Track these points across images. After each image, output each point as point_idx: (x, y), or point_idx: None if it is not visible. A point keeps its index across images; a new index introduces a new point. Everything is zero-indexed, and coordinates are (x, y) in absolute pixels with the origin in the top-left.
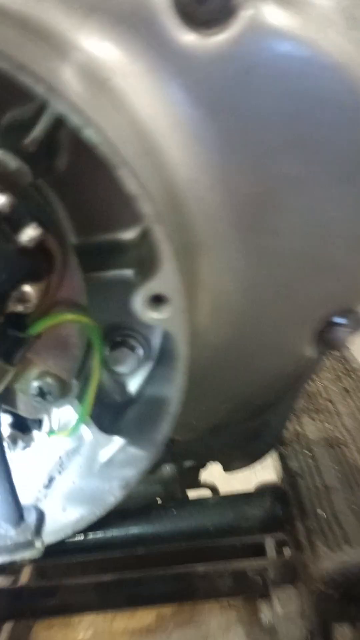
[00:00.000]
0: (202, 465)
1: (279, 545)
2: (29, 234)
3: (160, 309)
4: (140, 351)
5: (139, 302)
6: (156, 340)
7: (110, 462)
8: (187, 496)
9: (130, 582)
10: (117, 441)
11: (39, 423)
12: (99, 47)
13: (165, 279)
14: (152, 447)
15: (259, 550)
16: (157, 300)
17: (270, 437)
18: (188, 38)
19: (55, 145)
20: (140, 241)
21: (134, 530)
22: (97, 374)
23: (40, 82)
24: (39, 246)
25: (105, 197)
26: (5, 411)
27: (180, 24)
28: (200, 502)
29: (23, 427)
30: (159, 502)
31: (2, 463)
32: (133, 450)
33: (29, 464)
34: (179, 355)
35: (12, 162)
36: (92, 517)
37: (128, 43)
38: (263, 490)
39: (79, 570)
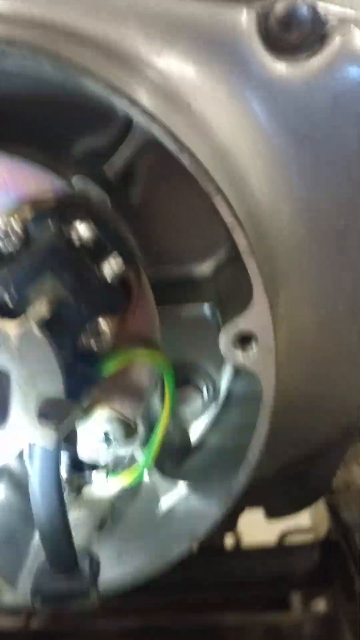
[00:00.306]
0: (243, 509)
1: (307, 599)
2: (112, 266)
3: (247, 349)
4: (206, 392)
5: (224, 341)
6: (224, 381)
7: (172, 511)
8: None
9: (156, 630)
10: (180, 489)
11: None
12: (180, 72)
13: (254, 317)
14: (224, 499)
15: (285, 603)
16: (244, 339)
17: (320, 484)
18: (275, 65)
19: (132, 174)
20: (214, 275)
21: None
22: (166, 417)
23: (135, 105)
24: (119, 279)
25: (177, 230)
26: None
27: (267, 50)
28: (243, 552)
29: (79, 467)
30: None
31: (60, 506)
32: (199, 500)
33: (81, 503)
34: (264, 400)
35: (92, 190)
36: (154, 570)
37: (211, 69)
38: (311, 542)
39: (99, 614)
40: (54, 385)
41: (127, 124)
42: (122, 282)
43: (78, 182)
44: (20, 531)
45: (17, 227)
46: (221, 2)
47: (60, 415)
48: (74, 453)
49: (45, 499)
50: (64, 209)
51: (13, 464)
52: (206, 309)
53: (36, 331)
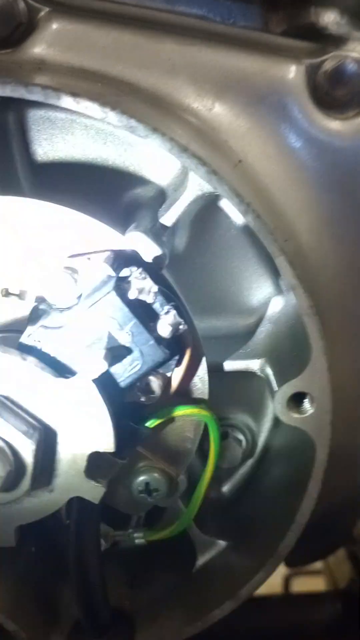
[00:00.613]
0: None
1: None
2: (170, 322)
3: (302, 410)
4: (245, 445)
5: (279, 401)
6: (262, 435)
7: (209, 568)
8: None
9: None
10: (218, 544)
11: (128, 519)
12: (231, 127)
13: (312, 377)
14: (271, 561)
15: None
16: (300, 399)
17: (341, 533)
18: (324, 121)
19: (179, 226)
20: (258, 330)
21: None
22: (210, 472)
23: (204, 166)
24: (174, 335)
25: (220, 283)
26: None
27: (316, 106)
28: (261, 600)
29: (115, 523)
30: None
31: (97, 562)
32: (240, 559)
33: (111, 558)
34: (318, 460)
35: (149, 244)
36: (194, 630)
37: (261, 125)
38: (332, 593)
39: None
40: (103, 440)
41: (178, 179)
42: (176, 338)
43: (134, 237)
44: (49, 589)
45: (70, 280)
46: (271, 58)
47: (106, 469)
48: (112, 506)
49: (83, 554)
50: (121, 263)
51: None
52: (255, 365)
53: (90, 386)
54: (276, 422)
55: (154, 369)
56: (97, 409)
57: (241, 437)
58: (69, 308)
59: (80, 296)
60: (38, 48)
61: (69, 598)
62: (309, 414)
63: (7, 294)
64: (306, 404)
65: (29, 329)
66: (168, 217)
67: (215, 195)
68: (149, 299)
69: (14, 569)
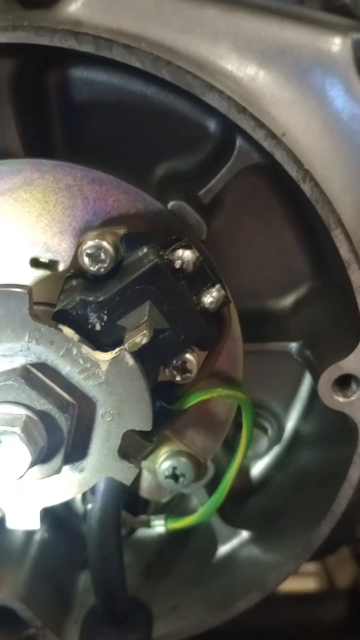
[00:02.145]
0: None
1: None
2: (214, 295)
3: (347, 393)
4: (271, 432)
5: (323, 384)
6: (291, 421)
7: (232, 559)
8: None
9: None
10: (242, 535)
11: (146, 506)
12: (275, 98)
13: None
14: (302, 551)
15: None
16: (344, 382)
17: (343, 531)
18: None
19: (219, 203)
20: (294, 311)
21: None
22: (240, 458)
23: (262, 128)
24: (216, 311)
25: (256, 263)
26: None
27: None
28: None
29: (134, 509)
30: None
31: (117, 546)
32: (266, 549)
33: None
34: None
35: (191, 217)
36: (215, 622)
37: (306, 97)
38: (337, 592)
39: None
40: (139, 417)
41: (220, 149)
42: (216, 315)
43: (176, 208)
44: (62, 576)
45: (109, 248)
46: (316, 30)
47: (135, 452)
48: (134, 491)
49: (104, 538)
50: (164, 234)
51: (56, 505)
52: (293, 347)
53: (129, 359)
54: (307, 408)
55: (193, 344)
56: (136, 384)
57: (267, 424)
58: (107, 278)
59: (119, 266)
60: (73, 7)
61: (83, 586)
62: (355, 397)
63: (36, 264)
64: (353, 386)
65: (63, 300)
66: (208, 191)
67: (261, 167)
68: (192, 270)
69: (28, 555)
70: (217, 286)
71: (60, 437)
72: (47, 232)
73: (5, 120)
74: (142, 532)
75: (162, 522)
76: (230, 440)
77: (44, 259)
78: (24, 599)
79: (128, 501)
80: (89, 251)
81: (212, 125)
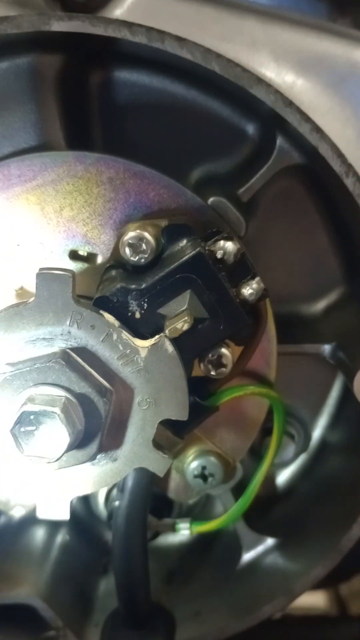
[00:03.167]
0: None
1: None
2: (254, 287)
3: None
4: (298, 440)
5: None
6: (318, 429)
7: (257, 565)
8: None
9: None
10: (267, 540)
11: (170, 510)
12: (311, 105)
13: None
14: (330, 555)
15: None
16: None
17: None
18: None
19: (254, 205)
20: (325, 315)
21: None
22: (271, 459)
23: (307, 122)
24: (254, 305)
25: (288, 268)
26: None
27: None
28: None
29: (158, 510)
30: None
31: (143, 546)
32: (292, 555)
33: None
34: None
35: (231, 211)
36: (241, 626)
37: (340, 105)
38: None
39: None
40: (176, 406)
41: (258, 152)
42: (253, 309)
43: (216, 204)
44: (83, 580)
45: (150, 239)
46: (351, 42)
47: (168, 446)
48: (158, 494)
49: (130, 537)
50: (204, 230)
51: (77, 507)
52: (326, 349)
53: (169, 346)
54: (335, 416)
55: (231, 337)
56: (175, 372)
57: (294, 432)
58: (146, 270)
59: (159, 258)
60: (117, 12)
61: (104, 591)
62: None
63: (75, 256)
64: None
65: (103, 289)
66: (248, 189)
67: (299, 168)
68: (233, 261)
69: (50, 556)
70: (257, 278)
71: (98, 422)
72: (87, 224)
73: (50, 114)
74: (163, 539)
75: (187, 525)
76: (256, 447)
77: (82, 251)
78: (45, 599)
79: (154, 504)
80: (130, 241)
81: (250, 128)
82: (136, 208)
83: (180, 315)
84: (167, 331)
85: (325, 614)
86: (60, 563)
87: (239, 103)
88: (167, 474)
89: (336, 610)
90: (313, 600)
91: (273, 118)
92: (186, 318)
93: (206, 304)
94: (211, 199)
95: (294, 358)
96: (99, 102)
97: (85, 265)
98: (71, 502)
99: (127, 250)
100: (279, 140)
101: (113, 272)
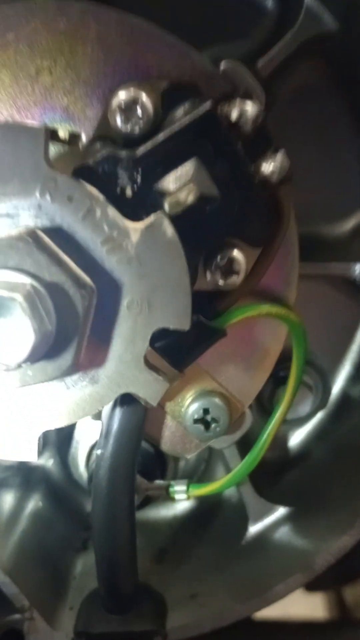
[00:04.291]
0: None
1: None
2: (278, 161)
3: None
4: (316, 392)
5: None
6: (338, 382)
7: (265, 538)
8: None
9: None
10: (277, 511)
11: (162, 471)
12: None
13: None
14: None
15: None
16: None
17: None
18: None
19: (274, 94)
20: (353, 236)
21: None
22: (289, 401)
23: None
24: (272, 192)
25: (308, 180)
26: None
27: None
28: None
29: (146, 472)
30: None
31: (129, 510)
32: (307, 526)
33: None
34: None
35: (247, 79)
36: (248, 610)
37: None
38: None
39: None
40: (175, 311)
41: (278, 28)
42: (274, 198)
43: (229, 69)
44: (57, 555)
45: (147, 102)
46: None
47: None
48: (151, 442)
49: (115, 495)
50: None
51: (54, 471)
52: (357, 270)
53: (168, 228)
54: (359, 367)
55: (244, 235)
56: (175, 264)
57: (311, 381)
58: (143, 141)
59: (158, 129)
60: None
61: (82, 569)
62: None
63: (54, 137)
64: None
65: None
66: (269, 61)
67: (328, 48)
68: (251, 129)
69: (17, 524)
70: (282, 151)
71: (73, 324)
72: (69, 94)
73: None
74: (154, 511)
75: (183, 487)
76: (265, 402)
77: (63, 130)
78: (9, 572)
79: (142, 463)
80: (122, 104)
81: (270, 2)
82: (130, 73)
83: (184, 187)
84: (166, 205)
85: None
86: (29, 533)
87: None
88: (161, 421)
89: (339, 618)
90: (313, 607)
91: None
92: (192, 187)
93: (217, 178)
94: (223, 62)
95: (314, 286)
96: None
97: (66, 148)
98: (40, 441)
99: (118, 117)
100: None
101: (98, 145)
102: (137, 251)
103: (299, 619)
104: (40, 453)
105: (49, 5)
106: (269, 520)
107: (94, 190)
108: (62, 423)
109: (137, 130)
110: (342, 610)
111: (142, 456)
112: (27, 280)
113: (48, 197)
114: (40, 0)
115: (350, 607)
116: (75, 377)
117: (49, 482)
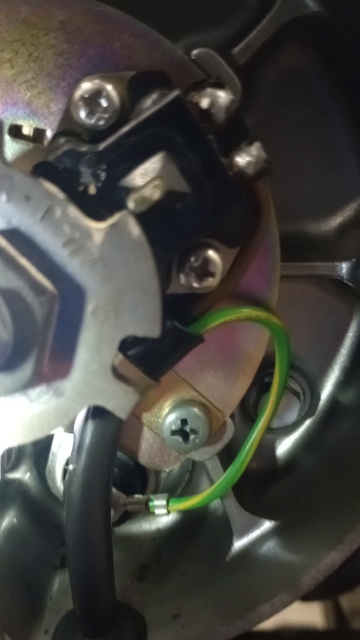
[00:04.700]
0: None
1: None
2: (253, 154)
3: None
4: (303, 398)
5: None
6: (326, 389)
7: (251, 553)
8: None
9: None
10: (263, 525)
11: (143, 485)
12: None
13: None
14: (348, 538)
15: None
16: None
17: None
18: None
19: (254, 86)
20: (339, 235)
21: None
22: (272, 409)
23: None
24: (248, 187)
25: (294, 175)
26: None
27: None
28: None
29: (126, 486)
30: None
31: (104, 526)
32: (295, 540)
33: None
34: None
35: (222, 68)
36: (233, 631)
37: None
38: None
39: None
40: (144, 316)
41: (257, 12)
42: (251, 195)
43: (202, 57)
44: (33, 573)
45: (112, 92)
46: None
47: (140, 386)
48: (127, 454)
49: (88, 512)
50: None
51: (30, 484)
52: (344, 268)
53: (134, 227)
54: (349, 371)
55: (219, 233)
56: (142, 266)
57: (298, 387)
58: (108, 135)
59: (124, 122)
60: None
61: (59, 589)
62: None
63: (17, 134)
64: None
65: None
66: (245, 47)
67: (313, 34)
68: (224, 119)
69: None
70: (257, 144)
71: (33, 332)
72: (32, 88)
73: None
74: (135, 526)
75: (163, 502)
76: (249, 410)
77: (27, 126)
78: None
79: (121, 477)
80: (86, 95)
81: None
82: (96, 64)
83: (150, 183)
84: (131, 203)
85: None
86: (3, 551)
87: None
88: (137, 433)
89: (337, 626)
90: (311, 613)
91: None
92: (158, 182)
93: (187, 173)
94: (196, 51)
95: (300, 287)
96: None
97: (31, 145)
98: (3, 458)
99: (82, 109)
100: None
101: (61, 140)
102: (101, 253)
103: (296, 626)
104: (8, 469)
105: None
106: (254, 534)
107: (53, 189)
108: (26, 439)
109: (101, 123)
110: (340, 619)
111: (120, 469)
112: None
113: (4, 197)
114: None
115: (347, 615)
116: (38, 389)
117: (26, 497)
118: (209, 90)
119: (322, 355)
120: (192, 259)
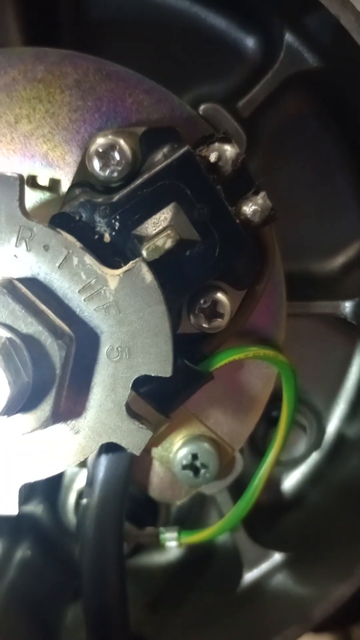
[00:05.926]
0: None
1: None
2: (259, 203)
3: None
4: (310, 433)
5: None
6: (333, 422)
7: (261, 586)
8: None
9: None
10: (273, 557)
11: (154, 518)
12: None
13: None
14: (353, 569)
15: None
16: None
17: None
18: None
19: (257, 133)
20: (342, 274)
21: None
22: (280, 444)
23: None
24: (255, 234)
25: (296, 216)
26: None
27: None
28: None
29: (138, 519)
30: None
31: (118, 559)
32: (304, 571)
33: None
34: None
35: (228, 121)
36: None
37: None
38: None
39: None
40: (157, 358)
41: (260, 68)
42: (257, 241)
43: (209, 112)
44: (46, 607)
45: (125, 147)
46: None
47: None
48: (140, 496)
49: (102, 545)
50: (195, 132)
51: (42, 517)
52: (347, 307)
53: (147, 274)
54: (354, 405)
55: (228, 277)
56: (155, 310)
57: (305, 421)
58: (120, 189)
59: (136, 174)
60: None
61: (73, 620)
62: None
63: (34, 184)
64: None
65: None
66: (249, 102)
67: (312, 81)
68: (231, 171)
69: (5, 576)
70: (263, 193)
71: (51, 374)
72: (49, 141)
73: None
74: (147, 558)
75: (174, 535)
76: (258, 443)
77: (43, 177)
78: None
79: (132, 510)
80: (100, 150)
81: (250, 42)
82: (109, 119)
83: (162, 232)
84: (144, 252)
85: None
86: (17, 584)
87: (237, 12)
88: (148, 467)
89: None
90: None
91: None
92: (170, 232)
93: (196, 223)
94: (203, 106)
95: (305, 324)
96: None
97: (47, 195)
98: (20, 493)
99: (96, 162)
100: (288, 38)
101: (77, 191)
102: (115, 298)
103: None
104: (20, 505)
105: (27, 54)
106: (264, 567)
107: (70, 238)
108: (43, 475)
109: (115, 175)
110: None
111: (132, 502)
112: (2, 333)
113: (24, 247)
114: (18, 49)
115: None
116: (56, 427)
117: (39, 529)
118: (216, 144)
119: (328, 389)
120: (202, 301)
